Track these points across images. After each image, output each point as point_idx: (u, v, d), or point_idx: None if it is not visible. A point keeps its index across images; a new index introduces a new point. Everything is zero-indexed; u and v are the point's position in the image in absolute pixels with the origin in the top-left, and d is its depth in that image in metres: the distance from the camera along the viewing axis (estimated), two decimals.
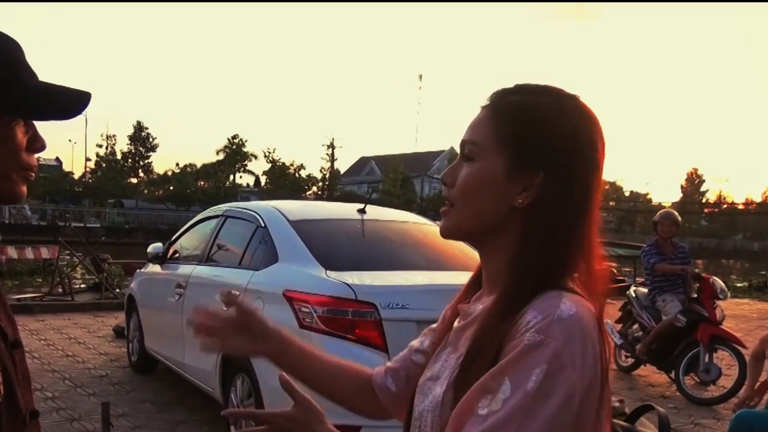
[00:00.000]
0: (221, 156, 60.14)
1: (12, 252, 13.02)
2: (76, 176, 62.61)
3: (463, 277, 1.11)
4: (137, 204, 54.52)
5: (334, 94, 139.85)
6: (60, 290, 11.13)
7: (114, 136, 58.47)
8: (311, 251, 4.17)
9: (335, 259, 4.14)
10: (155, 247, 6.24)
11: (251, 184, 65.50)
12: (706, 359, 6.16)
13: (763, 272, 22.91)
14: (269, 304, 4.04)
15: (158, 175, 60.06)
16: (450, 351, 1.00)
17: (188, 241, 6.09)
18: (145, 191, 61.07)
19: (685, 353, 6.25)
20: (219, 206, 6.00)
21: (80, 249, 12.71)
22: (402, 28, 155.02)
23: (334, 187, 60.84)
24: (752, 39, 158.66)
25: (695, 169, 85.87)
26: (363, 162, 76.83)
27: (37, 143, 1.03)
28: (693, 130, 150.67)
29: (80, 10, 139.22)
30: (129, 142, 58.69)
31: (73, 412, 5.11)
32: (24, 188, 1.02)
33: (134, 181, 60.69)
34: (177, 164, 67.07)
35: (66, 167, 67.14)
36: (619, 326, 7.17)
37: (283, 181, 58.26)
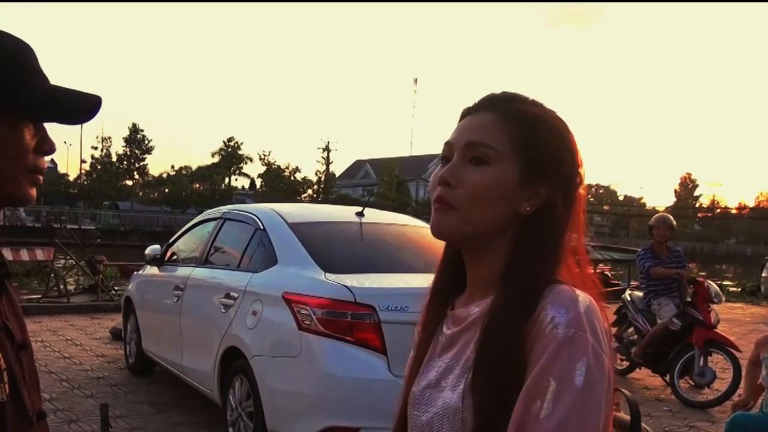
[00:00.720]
0: (217, 158, 60.01)
1: (7, 253, 12.96)
2: (72, 178, 62.43)
3: None
4: (132, 206, 54.45)
5: (330, 97, 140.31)
6: (56, 292, 11.11)
7: (109, 138, 58.14)
8: (310, 254, 4.19)
9: (334, 262, 4.15)
10: (153, 249, 6.23)
11: (246, 186, 65.52)
12: (701, 363, 6.19)
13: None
14: (268, 306, 4.07)
15: (153, 177, 59.82)
16: (447, 358, 0.99)
17: (186, 243, 6.09)
18: (141, 193, 60.98)
19: (680, 356, 6.29)
20: (217, 209, 6.02)
21: (75, 251, 12.68)
22: (398, 32, 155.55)
23: (329, 190, 60.76)
24: (745, 45, 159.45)
25: (689, 174, 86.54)
26: (358, 165, 76.70)
27: (45, 145, 1.02)
28: (687, 135, 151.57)
29: (77, 11, 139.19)
30: (124, 144, 58.42)
31: (71, 413, 5.11)
32: (33, 191, 1.01)
33: (129, 183, 60.38)
34: (172, 166, 67.23)
35: (61, 169, 66.92)
36: (614, 330, 7.20)
37: (279, 183, 58.13)
